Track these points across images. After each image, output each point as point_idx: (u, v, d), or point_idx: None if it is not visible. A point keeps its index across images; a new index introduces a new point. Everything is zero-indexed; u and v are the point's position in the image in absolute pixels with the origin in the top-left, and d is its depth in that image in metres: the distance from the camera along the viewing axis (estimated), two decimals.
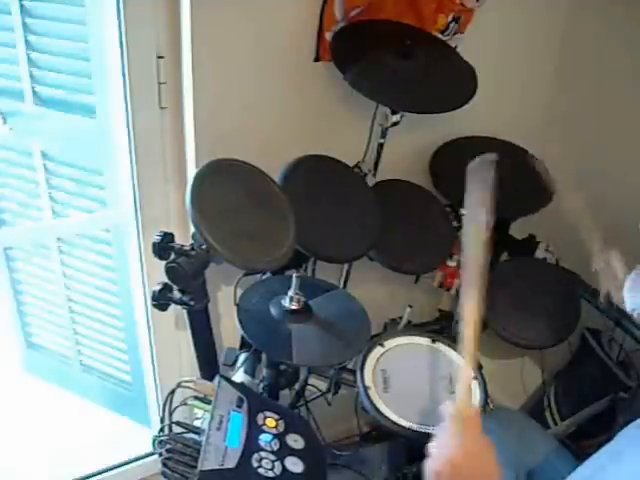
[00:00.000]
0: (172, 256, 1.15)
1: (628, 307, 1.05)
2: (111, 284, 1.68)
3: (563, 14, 1.64)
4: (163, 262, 1.14)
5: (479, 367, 1.22)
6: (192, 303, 1.19)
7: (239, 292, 1.23)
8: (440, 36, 1.43)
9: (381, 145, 1.45)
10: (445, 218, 1.55)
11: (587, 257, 1.28)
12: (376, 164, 1.49)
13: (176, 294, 1.19)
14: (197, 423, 1.00)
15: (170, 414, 1.00)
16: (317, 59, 1.34)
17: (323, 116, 1.44)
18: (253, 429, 0.96)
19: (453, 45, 1.46)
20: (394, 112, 1.37)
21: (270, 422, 0.99)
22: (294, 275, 1.13)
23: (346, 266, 1.55)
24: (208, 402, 1.00)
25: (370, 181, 1.49)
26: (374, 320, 1.23)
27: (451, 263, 1.61)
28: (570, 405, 1.70)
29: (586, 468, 0.96)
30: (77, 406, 1.93)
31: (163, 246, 1.15)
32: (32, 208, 1.66)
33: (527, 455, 1.17)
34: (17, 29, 1.34)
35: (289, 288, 1.14)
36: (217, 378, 1.03)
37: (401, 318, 1.58)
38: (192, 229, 1.11)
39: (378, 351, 1.19)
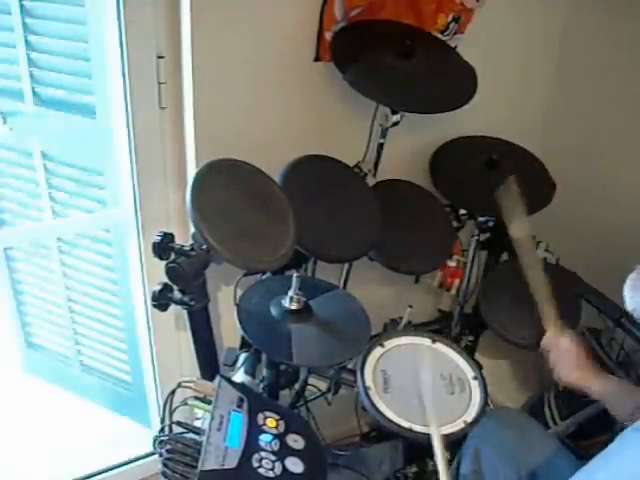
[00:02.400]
0: (172, 256, 1.15)
1: (628, 307, 1.05)
2: (111, 284, 1.68)
3: (562, 14, 1.64)
4: (163, 262, 1.14)
5: (479, 367, 1.22)
6: (192, 303, 1.19)
7: (239, 292, 1.23)
8: (440, 36, 1.43)
9: (381, 145, 1.45)
10: (445, 218, 1.55)
11: (586, 258, 1.29)
12: (376, 164, 1.49)
13: (176, 294, 1.19)
14: (197, 423, 1.00)
15: (170, 414, 1.00)
16: (317, 59, 1.34)
17: (323, 116, 1.44)
18: (253, 429, 0.96)
19: (453, 45, 1.46)
20: (394, 112, 1.38)
21: (270, 422, 0.99)
22: (294, 275, 1.13)
23: (346, 266, 1.55)
24: (208, 402, 0.99)
25: (370, 181, 1.49)
26: (374, 320, 1.23)
27: (451, 263, 1.62)
28: (570, 405, 1.69)
29: (583, 472, 0.96)
30: (77, 406, 1.93)
31: (163, 246, 1.15)
32: (32, 208, 1.66)
33: (528, 455, 1.16)
34: (17, 29, 1.34)
35: (289, 288, 1.14)
36: (217, 378, 1.03)
37: (401, 318, 1.58)
38: (192, 229, 1.11)
39: (378, 351, 1.19)
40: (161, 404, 1.03)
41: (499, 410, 1.39)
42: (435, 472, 1.44)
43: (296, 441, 0.98)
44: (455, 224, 1.57)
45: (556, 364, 1.18)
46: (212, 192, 1.13)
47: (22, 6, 1.32)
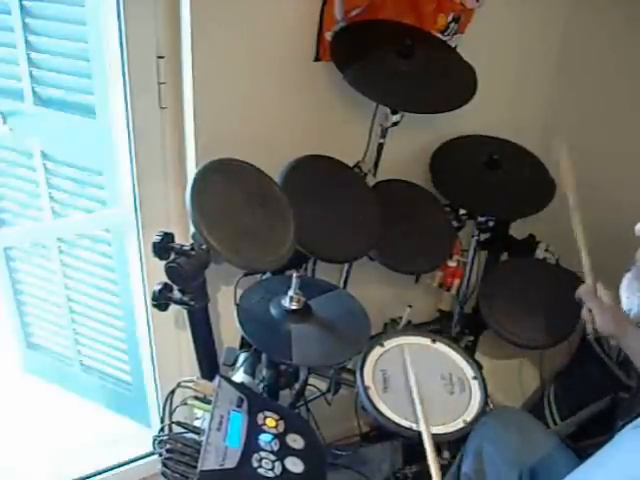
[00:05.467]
0: (172, 256, 1.15)
1: (624, 307, 1.06)
2: (111, 284, 1.68)
3: (562, 13, 1.64)
4: (163, 262, 1.14)
5: (479, 367, 1.22)
6: (192, 303, 1.19)
7: (239, 292, 1.23)
8: (440, 36, 1.43)
9: (381, 145, 1.45)
10: (445, 218, 1.55)
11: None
12: (376, 164, 1.49)
13: (176, 294, 1.19)
14: (197, 423, 1.00)
15: (170, 414, 1.00)
16: (317, 59, 1.34)
17: (323, 116, 1.44)
18: (253, 429, 0.96)
19: (453, 45, 1.46)
20: (394, 112, 1.38)
21: (270, 422, 0.99)
22: (294, 275, 1.13)
23: (346, 266, 1.55)
24: (208, 402, 1.00)
25: (370, 181, 1.49)
26: (374, 320, 1.23)
27: (451, 263, 1.62)
28: (570, 405, 1.70)
29: (581, 470, 0.96)
30: (77, 406, 1.93)
31: (163, 246, 1.15)
32: (32, 208, 1.66)
33: (529, 453, 1.16)
34: (17, 29, 1.34)
35: (289, 288, 1.14)
36: (217, 378, 1.03)
37: (401, 318, 1.58)
38: (192, 229, 1.11)
39: (378, 351, 1.19)
40: (161, 404, 1.03)
41: (501, 409, 1.39)
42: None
43: (296, 441, 0.98)
44: (455, 224, 1.57)
45: (595, 315, 1.21)
46: (212, 192, 1.13)
47: (22, 6, 1.32)
